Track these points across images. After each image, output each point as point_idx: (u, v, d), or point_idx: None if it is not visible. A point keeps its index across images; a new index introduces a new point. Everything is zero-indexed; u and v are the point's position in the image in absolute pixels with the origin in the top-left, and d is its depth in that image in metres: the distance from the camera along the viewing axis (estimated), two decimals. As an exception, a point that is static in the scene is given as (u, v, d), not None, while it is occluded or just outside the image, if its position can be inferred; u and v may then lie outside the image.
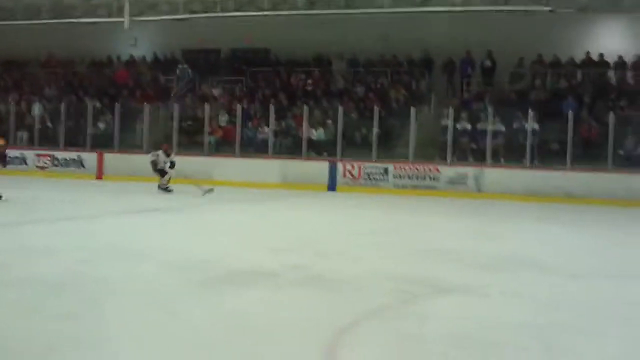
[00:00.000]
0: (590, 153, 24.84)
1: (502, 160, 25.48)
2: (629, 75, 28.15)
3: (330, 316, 7.27)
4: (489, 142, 25.47)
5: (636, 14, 28.31)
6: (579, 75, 28.50)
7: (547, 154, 25.22)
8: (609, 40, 28.95)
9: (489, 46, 28.90)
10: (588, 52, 28.44)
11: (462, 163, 25.59)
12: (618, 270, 11.02)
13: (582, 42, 29.03)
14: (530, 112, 25.24)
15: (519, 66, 29.16)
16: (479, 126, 26.30)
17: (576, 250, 12.93)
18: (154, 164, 22.28)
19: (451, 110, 26.30)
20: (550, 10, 27.89)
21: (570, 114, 24.86)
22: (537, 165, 24.83)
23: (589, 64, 28.47)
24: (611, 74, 28.25)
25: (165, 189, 21.99)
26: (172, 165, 22.25)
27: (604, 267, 11.31)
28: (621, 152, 24.55)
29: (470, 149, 26.08)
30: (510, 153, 25.59)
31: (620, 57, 28.03)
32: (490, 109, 26.29)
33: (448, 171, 24.99)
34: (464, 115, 26.63)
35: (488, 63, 29.36)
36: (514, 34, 28.36)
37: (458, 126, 26.27)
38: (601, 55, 28.25)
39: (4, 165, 18.71)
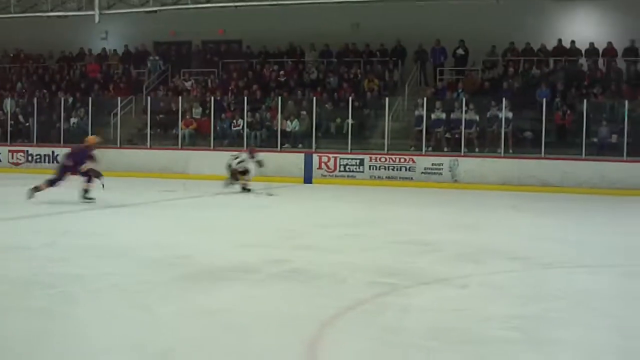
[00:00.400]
0: (564, 141, 24.96)
1: (476, 149, 25.54)
2: (601, 62, 28.27)
3: (311, 310, 7.26)
4: (462, 131, 25.51)
5: (607, 0, 28.43)
6: (551, 62, 28.60)
7: (522, 143, 25.31)
8: (581, 27, 29.05)
9: (460, 34, 28.90)
10: (560, 40, 28.52)
11: (437, 153, 25.62)
12: (595, 260, 11.06)
13: (554, 30, 29.12)
14: (504, 101, 25.30)
15: (491, 54, 29.24)
16: (453, 115, 26.31)
17: (553, 240, 12.95)
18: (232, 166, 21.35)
19: (425, 100, 26.35)
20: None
21: (544, 101, 24.94)
22: (511, 154, 24.90)
23: (561, 52, 28.56)
24: (583, 61, 28.37)
25: (246, 189, 21.04)
26: (260, 164, 21.40)
27: (582, 257, 11.34)
28: (595, 139, 24.66)
29: (445, 139, 26.10)
30: (485, 142, 25.66)
31: (591, 44, 28.13)
32: (463, 98, 26.32)
33: (423, 161, 25.02)
34: (437, 104, 26.64)
35: (461, 52, 29.38)
36: (486, 22, 28.36)
37: (432, 116, 26.31)
38: (573, 42, 28.34)
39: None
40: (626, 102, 24.53)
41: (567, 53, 28.40)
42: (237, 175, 21.09)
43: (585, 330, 6.86)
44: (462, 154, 25.12)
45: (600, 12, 29.15)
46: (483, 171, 24.43)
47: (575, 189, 22.90)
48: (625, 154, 23.87)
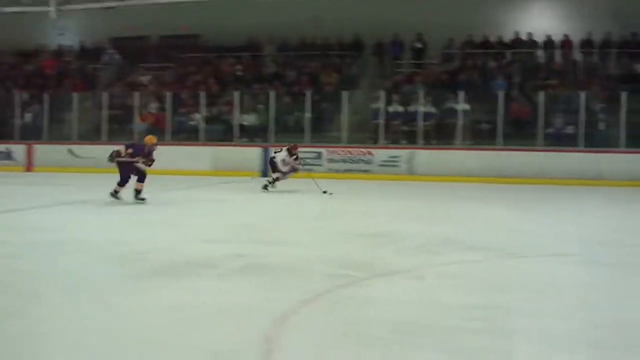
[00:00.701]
0: (521, 132, 25.15)
1: (433, 141, 25.64)
2: (557, 54, 28.49)
3: (270, 303, 7.18)
4: (420, 124, 25.63)
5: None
6: (508, 55, 28.78)
7: (479, 135, 25.46)
8: (538, 19, 29.29)
9: (418, 27, 29.00)
10: (517, 32, 28.72)
11: (395, 145, 25.68)
12: (556, 250, 11.08)
13: (511, 22, 29.33)
14: (461, 93, 25.44)
15: (448, 47, 29.34)
16: (411, 108, 26.41)
17: (513, 231, 13.00)
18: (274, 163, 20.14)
19: (383, 93, 26.40)
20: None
21: (501, 93, 25.12)
22: (468, 145, 25.02)
23: (518, 44, 28.76)
24: (540, 53, 28.58)
25: (265, 186, 19.96)
26: (300, 162, 20.53)
27: (542, 247, 11.36)
28: (551, 130, 24.87)
29: (402, 131, 26.19)
30: (442, 134, 25.77)
31: (548, 37, 28.35)
32: (421, 91, 26.42)
33: (381, 154, 25.05)
34: (395, 97, 26.73)
35: (418, 45, 29.48)
36: (443, 14, 28.46)
37: (390, 109, 26.38)
38: (530, 34, 28.55)
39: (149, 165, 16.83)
40: (581, 93, 24.74)
41: (524, 45, 28.62)
42: (277, 168, 20.04)
43: (548, 319, 6.85)
44: (420, 146, 25.21)
45: (556, 4, 29.44)
46: (440, 163, 24.52)
47: (531, 180, 23.05)
48: (580, 144, 24.13)
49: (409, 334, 6.28)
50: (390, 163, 24.86)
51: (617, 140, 24.12)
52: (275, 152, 20.29)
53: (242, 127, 27.20)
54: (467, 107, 25.55)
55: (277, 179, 19.94)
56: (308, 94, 26.82)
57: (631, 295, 8.05)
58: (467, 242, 11.30)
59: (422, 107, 25.95)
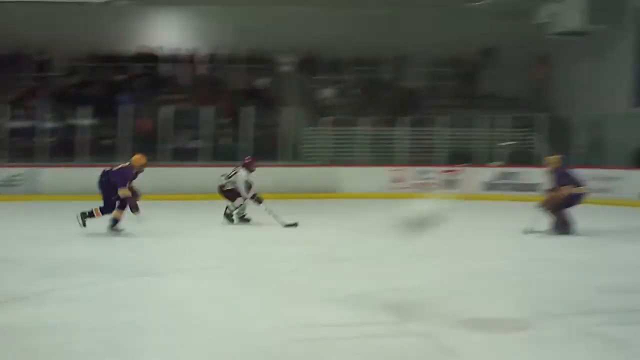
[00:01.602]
0: (148, 147, 25.07)
1: (58, 158, 24.92)
2: (184, 68, 28.95)
3: None
4: (43, 140, 24.90)
5: (190, 8, 29.20)
6: (134, 68, 28.80)
7: (104, 151, 25.04)
8: (165, 33, 29.69)
9: (42, 39, 28.09)
10: (143, 46, 28.87)
11: (17, 164, 24.59)
12: (186, 264, 11.16)
13: (138, 35, 29.40)
14: (86, 108, 25.03)
15: (74, 60, 28.82)
16: (33, 123, 25.56)
17: (154, 248, 12.95)
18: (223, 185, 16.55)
19: (5, 107, 25.36)
20: (105, 2, 27.67)
21: (126, 108, 25.03)
22: (92, 162, 24.52)
23: (143, 58, 28.87)
24: (166, 67, 28.88)
25: (242, 217, 16.59)
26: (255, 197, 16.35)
27: (170, 262, 11.40)
28: (176, 145, 25.16)
29: (25, 148, 25.22)
30: (67, 151, 25.12)
31: (175, 51, 28.78)
32: (45, 105, 25.69)
33: (1, 173, 23.80)
34: (17, 112, 25.78)
35: (42, 57, 28.70)
36: (69, 27, 27.78)
37: (12, 124, 25.37)
38: (155, 48, 28.81)
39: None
40: (206, 108, 25.25)
41: (150, 59, 28.80)
42: (228, 195, 16.59)
43: (170, 336, 6.90)
44: (43, 163, 24.34)
45: (184, 19, 30.06)
46: (65, 181, 23.69)
47: (156, 196, 22.90)
48: (204, 158, 24.66)
49: None
50: (10, 183, 23.70)
51: (240, 154, 24.79)
52: (224, 176, 16.69)
53: None
54: (90, 122, 25.17)
55: (240, 207, 16.59)
56: None
57: (251, 306, 8.27)
58: (93, 262, 11.05)
59: (45, 122, 25.20)
